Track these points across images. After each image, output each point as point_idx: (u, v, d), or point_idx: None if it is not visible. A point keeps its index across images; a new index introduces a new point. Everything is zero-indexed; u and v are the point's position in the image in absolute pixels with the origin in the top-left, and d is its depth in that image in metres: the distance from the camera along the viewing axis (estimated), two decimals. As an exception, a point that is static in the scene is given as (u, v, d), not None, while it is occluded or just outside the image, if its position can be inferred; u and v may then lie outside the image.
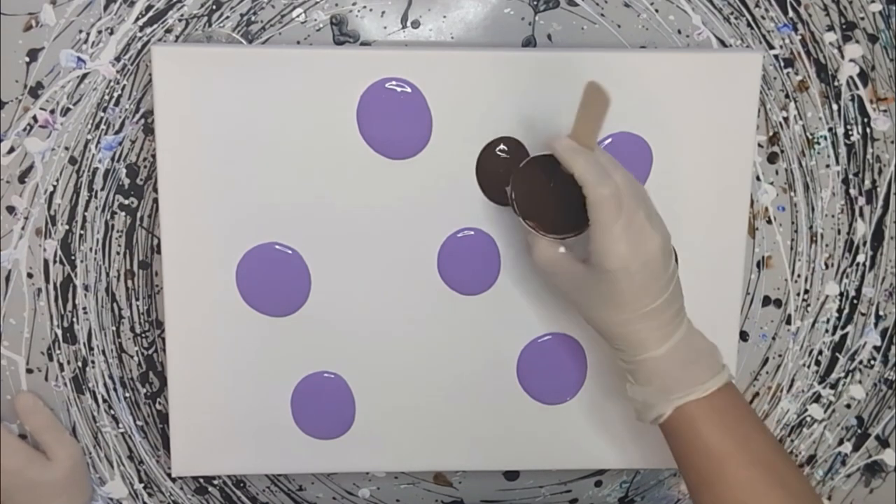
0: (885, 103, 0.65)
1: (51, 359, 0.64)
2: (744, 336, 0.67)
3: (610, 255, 0.52)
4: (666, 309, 0.54)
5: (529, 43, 0.62)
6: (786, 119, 0.64)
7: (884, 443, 0.70)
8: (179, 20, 0.59)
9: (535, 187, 0.55)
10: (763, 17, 0.62)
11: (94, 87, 0.60)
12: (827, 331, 0.68)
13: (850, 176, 0.66)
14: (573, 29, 0.61)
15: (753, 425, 0.55)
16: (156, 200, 0.61)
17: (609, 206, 0.51)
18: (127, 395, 0.65)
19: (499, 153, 0.60)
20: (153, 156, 0.61)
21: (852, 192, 0.66)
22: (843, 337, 0.68)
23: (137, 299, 0.63)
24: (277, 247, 0.61)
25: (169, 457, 0.64)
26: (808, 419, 0.70)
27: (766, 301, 0.67)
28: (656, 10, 0.62)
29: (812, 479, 0.71)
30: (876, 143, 0.65)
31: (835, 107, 0.64)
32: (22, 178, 0.61)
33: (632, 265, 0.52)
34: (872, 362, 0.69)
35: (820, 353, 0.68)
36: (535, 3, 0.61)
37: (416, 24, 0.61)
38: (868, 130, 0.65)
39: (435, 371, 0.63)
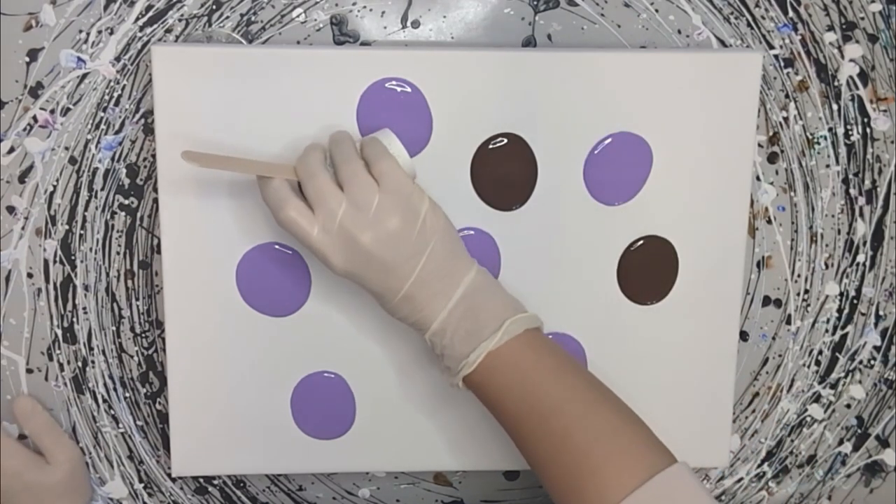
0: (885, 103, 0.65)
1: (51, 359, 0.64)
2: (744, 336, 0.67)
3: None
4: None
5: (529, 43, 0.62)
6: (786, 119, 0.64)
7: (884, 443, 0.70)
8: (179, 20, 0.59)
9: None
10: (763, 17, 0.62)
11: (94, 87, 0.60)
12: (827, 331, 0.68)
13: (850, 176, 0.66)
14: (573, 29, 0.61)
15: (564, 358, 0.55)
16: (156, 200, 0.61)
17: (295, 227, 0.53)
18: (127, 395, 0.65)
19: (492, 147, 0.60)
20: (153, 156, 0.61)
21: (852, 192, 0.66)
22: (843, 337, 0.68)
23: (137, 299, 0.63)
24: (277, 247, 0.61)
25: (169, 457, 0.64)
26: (808, 419, 0.70)
27: (766, 301, 0.67)
28: (656, 10, 0.62)
29: (812, 479, 0.71)
30: (876, 143, 0.65)
31: (835, 107, 0.64)
32: (22, 178, 0.61)
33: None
34: (872, 362, 0.69)
35: (820, 353, 0.68)
36: (535, 3, 0.61)
37: (416, 24, 0.61)
38: (868, 130, 0.65)
39: (435, 371, 0.63)
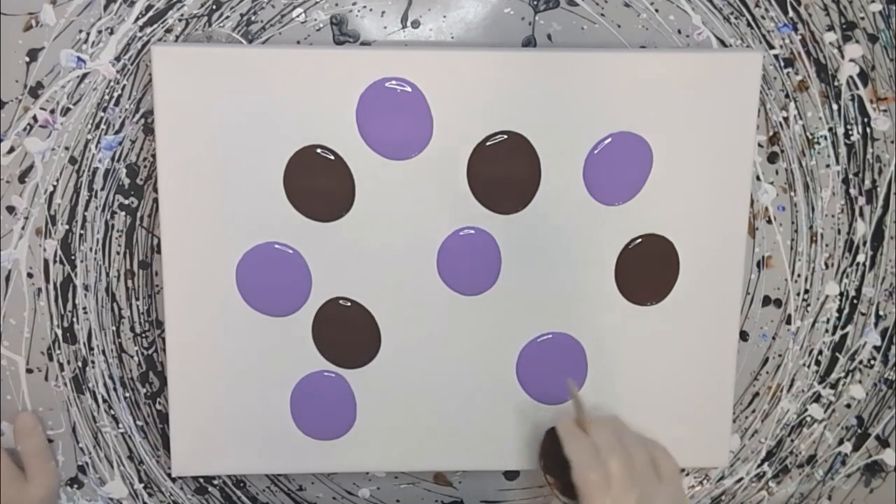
0: (885, 103, 0.65)
1: (51, 359, 0.64)
2: (744, 336, 0.67)
3: None
4: None
5: (529, 43, 0.62)
6: (786, 119, 0.64)
7: (884, 443, 0.70)
8: (179, 20, 0.60)
9: (556, 450, 0.59)
10: (763, 17, 0.62)
11: (94, 87, 0.60)
12: (827, 331, 0.68)
13: (850, 176, 0.66)
14: (573, 29, 0.61)
15: None
16: (156, 200, 0.61)
17: (593, 489, 0.55)
18: (127, 395, 0.65)
19: (490, 145, 0.60)
20: (153, 156, 0.61)
21: (852, 192, 0.66)
22: (843, 337, 0.68)
23: (137, 299, 0.63)
24: (277, 247, 0.61)
25: (169, 457, 0.64)
26: (808, 419, 0.70)
27: (766, 301, 0.67)
28: (656, 10, 0.62)
29: (812, 479, 0.71)
30: (876, 143, 0.65)
31: (835, 107, 0.64)
32: (22, 178, 0.61)
33: None
34: (872, 362, 0.69)
35: (820, 353, 0.68)
36: (535, 3, 0.61)
37: (416, 24, 0.61)
38: (868, 130, 0.65)
39: (435, 371, 0.63)
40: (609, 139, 0.60)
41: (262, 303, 0.61)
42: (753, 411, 0.69)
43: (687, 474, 0.70)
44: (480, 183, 0.60)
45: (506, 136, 0.60)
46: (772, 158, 0.65)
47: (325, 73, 0.58)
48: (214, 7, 0.59)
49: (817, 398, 0.69)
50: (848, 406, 0.70)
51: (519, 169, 0.60)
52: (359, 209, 0.60)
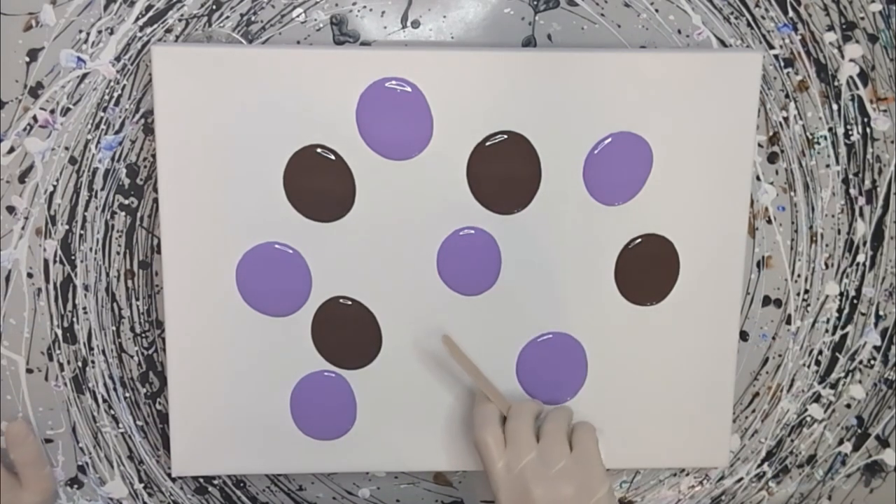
0: (885, 103, 0.65)
1: (51, 359, 0.64)
2: (744, 336, 0.67)
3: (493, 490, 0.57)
4: None
5: (529, 43, 0.62)
6: (786, 119, 0.64)
7: (884, 443, 0.70)
8: (179, 20, 0.60)
9: None
10: (763, 17, 0.62)
11: (94, 87, 0.60)
12: (827, 331, 0.68)
13: (850, 176, 0.66)
14: (573, 29, 0.61)
15: None
16: (156, 200, 0.61)
17: (489, 449, 0.57)
18: (127, 395, 0.65)
19: (490, 145, 0.60)
20: (153, 156, 0.61)
21: (852, 192, 0.66)
22: (843, 337, 0.68)
23: (137, 299, 0.63)
24: (277, 246, 0.61)
25: (169, 457, 0.64)
26: (808, 419, 0.70)
27: (766, 301, 0.67)
28: (656, 10, 0.62)
29: (812, 479, 0.71)
30: (876, 143, 0.65)
31: (835, 107, 0.64)
32: (22, 178, 0.61)
33: None
34: (872, 362, 0.69)
35: (820, 353, 0.68)
36: (535, 3, 0.61)
37: (416, 24, 0.61)
38: (868, 130, 0.65)
39: (435, 371, 0.63)
40: (609, 139, 0.60)
41: (262, 303, 0.61)
42: (753, 411, 0.69)
43: (687, 474, 0.70)
44: (480, 183, 0.60)
45: (506, 136, 0.60)
46: (772, 158, 0.65)
47: (325, 73, 0.58)
48: (214, 7, 0.60)
49: (817, 398, 0.69)
50: (848, 406, 0.70)
51: (519, 169, 0.60)
52: (359, 209, 0.60)
